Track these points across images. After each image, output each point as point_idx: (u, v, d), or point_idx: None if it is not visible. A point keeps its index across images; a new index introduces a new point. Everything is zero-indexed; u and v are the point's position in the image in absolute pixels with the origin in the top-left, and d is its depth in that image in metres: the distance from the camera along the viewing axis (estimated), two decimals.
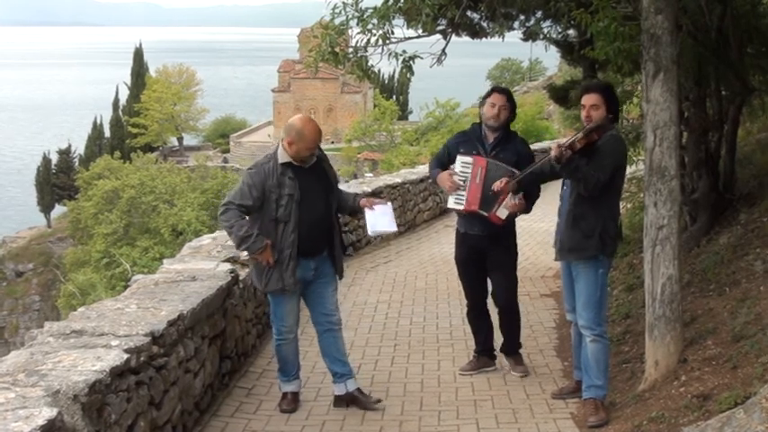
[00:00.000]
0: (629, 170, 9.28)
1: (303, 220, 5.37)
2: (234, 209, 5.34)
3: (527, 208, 5.89)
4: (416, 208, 13.58)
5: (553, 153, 5.05)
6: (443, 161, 6.11)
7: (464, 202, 5.85)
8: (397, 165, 39.57)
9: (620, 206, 5.56)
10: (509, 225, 6.01)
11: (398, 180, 12.98)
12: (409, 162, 39.05)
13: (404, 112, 75.05)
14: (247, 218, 5.41)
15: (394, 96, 71.99)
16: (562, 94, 11.75)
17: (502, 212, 5.79)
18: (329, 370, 5.79)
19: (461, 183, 5.85)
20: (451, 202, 5.95)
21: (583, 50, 7.85)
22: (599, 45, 6.13)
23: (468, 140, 6.01)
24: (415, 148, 48.46)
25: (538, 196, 5.94)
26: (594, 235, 5.16)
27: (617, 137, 5.24)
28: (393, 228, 5.61)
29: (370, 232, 5.68)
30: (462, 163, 5.89)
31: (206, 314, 5.51)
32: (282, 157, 5.39)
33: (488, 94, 6.00)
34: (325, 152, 5.76)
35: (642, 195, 6.36)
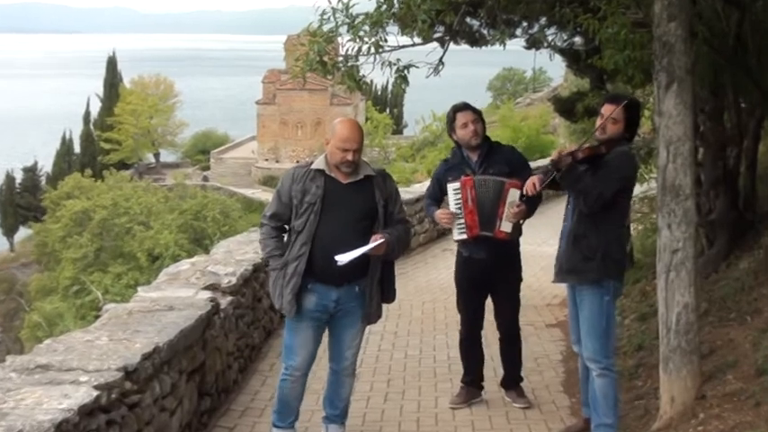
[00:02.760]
0: (640, 189, 9.74)
1: (321, 235, 5.21)
2: (266, 224, 5.42)
3: (529, 212, 5.98)
4: (412, 231, 13.48)
5: (553, 156, 5.15)
6: (436, 195, 6.28)
7: (466, 230, 5.98)
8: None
9: (632, 228, 5.56)
10: (514, 247, 6.15)
11: (409, 197, 12.99)
12: (404, 180, 38.82)
13: (398, 126, 75.09)
14: (284, 235, 5.42)
15: (387, 109, 72.20)
16: (568, 107, 11.79)
17: (506, 226, 5.93)
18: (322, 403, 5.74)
19: (458, 211, 5.99)
20: (456, 234, 6.08)
21: (590, 59, 7.87)
22: (607, 54, 6.14)
23: (454, 166, 6.16)
24: (411, 165, 48.51)
25: (540, 200, 6.01)
26: (596, 257, 5.17)
27: (627, 152, 5.25)
28: (348, 259, 5.14)
29: (341, 262, 5.19)
30: (453, 190, 6.04)
31: (184, 346, 5.48)
32: (319, 164, 5.35)
33: (452, 119, 6.12)
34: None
35: (655, 216, 6.35)
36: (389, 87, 75.83)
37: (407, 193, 14.07)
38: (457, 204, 6.01)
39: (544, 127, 42.34)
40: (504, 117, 42.41)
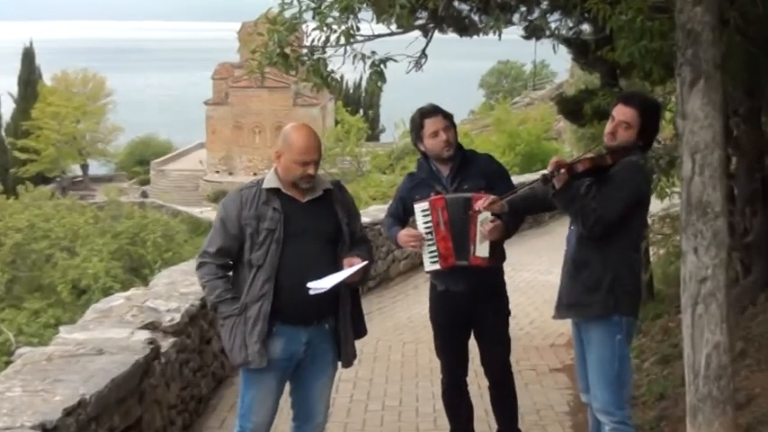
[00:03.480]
0: (662, 206, 9.99)
1: (286, 268, 5.22)
2: (209, 262, 5.37)
3: (510, 229, 6.04)
4: (390, 256, 13.72)
5: (548, 170, 5.17)
6: (399, 215, 6.32)
7: (439, 259, 6.03)
8: (365, 199, 39.14)
9: (651, 252, 5.51)
10: (497, 275, 6.22)
11: (367, 220, 12.83)
12: (381, 195, 39.02)
13: (374, 131, 75.77)
14: (230, 272, 5.39)
15: (361, 110, 72.34)
16: (574, 108, 11.58)
17: (482, 249, 5.95)
18: None
19: (428, 236, 6.02)
20: (428, 264, 6.13)
21: (600, 51, 7.89)
22: (621, 44, 6.03)
23: (421, 182, 6.21)
24: (389, 178, 47.83)
25: (521, 218, 6.16)
26: (601, 288, 5.22)
27: (637, 164, 5.30)
28: (328, 286, 5.20)
29: (312, 290, 5.23)
30: (421, 212, 6.07)
31: (116, 399, 5.43)
32: (270, 182, 5.35)
33: (419, 126, 6.14)
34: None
35: (679, 238, 6.35)
36: (363, 85, 76.23)
37: (384, 211, 14.03)
38: (427, 228, 6.05)
39: (546, 132, 42.86)
40: (498, 120, 43.21)
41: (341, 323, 5.40)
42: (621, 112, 5.28)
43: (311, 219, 5.31)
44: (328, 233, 5.35)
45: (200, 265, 5.39)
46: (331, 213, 5.39)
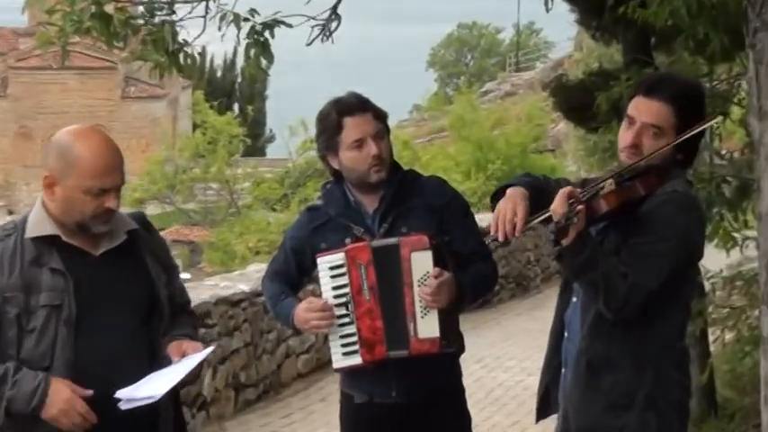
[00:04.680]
0: (727, 260, 9.79)
1: (83, 366, 4.80)
2: None
3: (459, 292, 5.56)
4: (282, 347, 13.33)
5: (554, 215, 4.69)
6: (291, 277, 5.96)
7: (360, 348, 5.63)
8: (242, 252, 38.19)
9: (710, 337, 5.98)
10: (452, 374, 5.88)
11: (245, 288, 12.56)
12: (268, 247, 36.08)
13: (256, 140, 68.87)
14: None
15: (236, 106, 69.67)
16: (582, 100, 11.28)
17: (426, 327, 5.53)
18: None
19: (342, 310, 5.65)
20: (340, 357, 5.72)
21: (624, 8, 7.90)
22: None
23: (330, 222, 5.83)
24: (282, 216, 43.00)
25: (493, 276, 5.93)
26: (634, 404, 4.89)
27: (684, 196, 4.94)
28: (160, 393, 4.84)
29: (124, 403, 4.84)
30: (330, 269, 5.66)
31: None
32: (38, 226, 4.89)
33: (332, 130, 5.73)
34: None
35: (757, 315, 6.68)
36: (238, 66, 70.90)
37: (240, 280, 13.58)
38: (339, 298, 5.62)
39: (537, 141, 41.95)
40: (459, 120, 41.49)
41: None
42: (645, 110, 4.89)
43: (111, 282, 4.96)
44: (139, 303, 5.02)
45: None
46: (140, 270, 5.06)
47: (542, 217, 4.76)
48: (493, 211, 4.97)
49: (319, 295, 5.70)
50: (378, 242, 5.63)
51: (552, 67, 52.64)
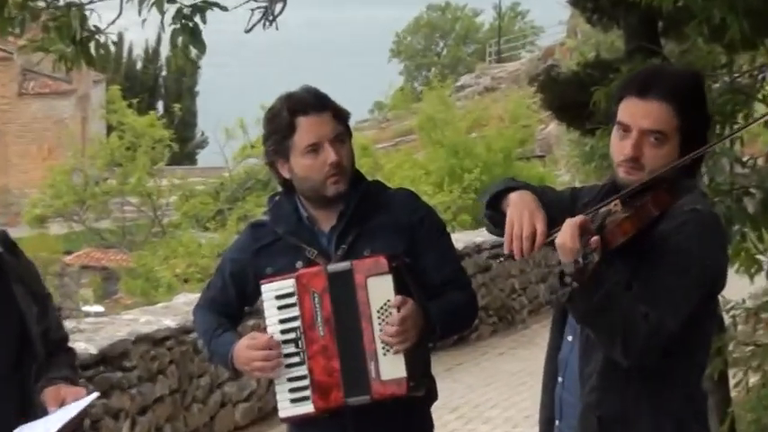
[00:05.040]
0: (750, 288, 9.71)
1: None
2: None
3: (430, 324, 5.39)
4: (216, 394, 12.96)
5: (565, 252, 4.38)
6: (229, 306, 5.74)
7: (311, 393, 5.45)
8: (167, 280, 35.90)
9: (731, 380, 6.39)
10: (422, 423, 5.69)
11: (170, 324, 12.24)
12: (200, 271, 34.54)
13: (185, 144, 67.44)
14: None
15: (159, 104, 67.71)
16: (576, 97, 11.13)
17: (390, 365, 5.36)
18: None
19: (291, 348, 5.47)
20: (286, 403, 5.53)
21: None
22: None
23: (278, 242, 5.65)
24: (217, 237, 41.04)
25: (460, 304, 5.60)
26: None
27: (709, 216, 4.73)
28: None
29: None
30: (277, 298, 5.48)
31: None
32: None
33: (283, 130, 5.53)
34: None
35: None
36: (163, 57, 69.67)
37: (165, 313, 13.26)
38: (288, 333, 5.44)
39: (524, 145, 41.10)
40: (428, 121, 39.91)
41: None
42: (642, 114, 4.65)
43: None
44: (6, 342, 5.07)
45: None
46: (6, 303, 5.04)
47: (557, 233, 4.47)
48: (490, 222, 4.89)
49: (264, 330, 5.45)
50: (334, 267, 5.42)
51: (540, 57, 52.20)
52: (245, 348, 5.45)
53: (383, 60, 73.28)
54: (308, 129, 5.45)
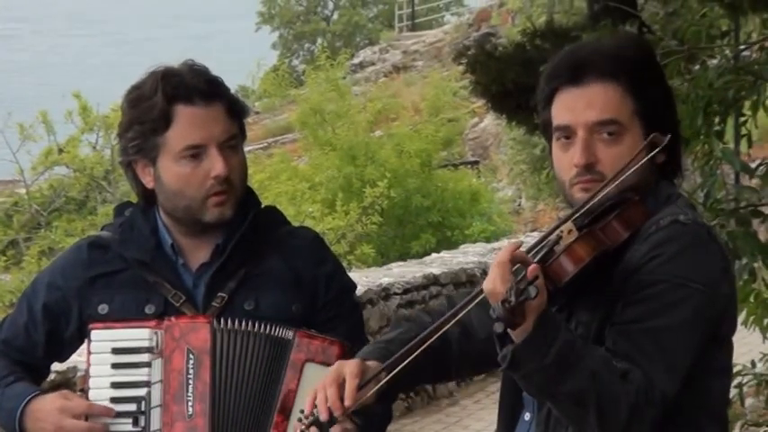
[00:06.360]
0: (762, 347, 8.64)
1: None
2: None
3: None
4: None
5: (491, 295, 3.58)
6: (30, 351, 4.54)
7: None
8: None
9: None
10: None
11: None
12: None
13: None
14: None
15: None
16: (518, 80, 9.56)
17: None
18: None
19: (130, 427, 4.39)
20: None
21: None
22: None
23: (123, 272, 4.48)
24: (10, 280, 28.26)
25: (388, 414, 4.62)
26: None
27: (693, 227, 3.77)
28: None
29: None
30: (116, 352, 4.39)
31: None
32: None
33: (158, 119, 4.38)
34: None
35: None
36: None
37: None
38: (125, 403, 4.33)
39: (448, 147, 33.52)
40: (314, 115, 30.13)
41: None
42: (584, 104, 3.88)
43: None
44: None
45: None
46: None
47: (458, 316, 3.76)
48: None
49: (84, 393, 4.42)
50: (236, 323, 4.41)
51: (472, 22, 46.31)
52: (55, 411, 4.35)
53: (248, 29, 65.17)
54: (189, 124, 4.42)
